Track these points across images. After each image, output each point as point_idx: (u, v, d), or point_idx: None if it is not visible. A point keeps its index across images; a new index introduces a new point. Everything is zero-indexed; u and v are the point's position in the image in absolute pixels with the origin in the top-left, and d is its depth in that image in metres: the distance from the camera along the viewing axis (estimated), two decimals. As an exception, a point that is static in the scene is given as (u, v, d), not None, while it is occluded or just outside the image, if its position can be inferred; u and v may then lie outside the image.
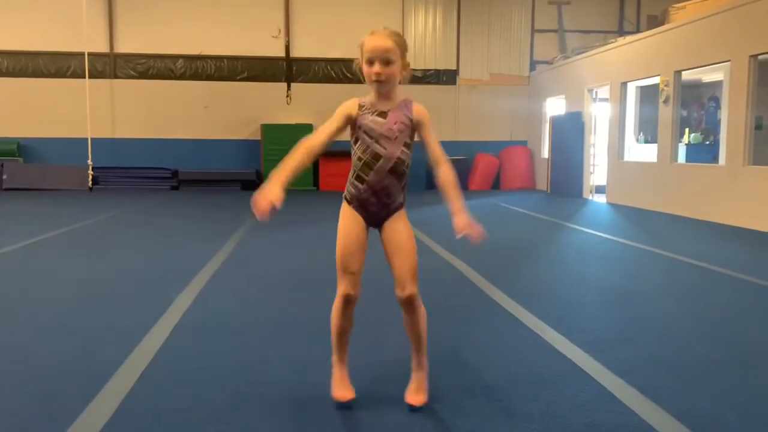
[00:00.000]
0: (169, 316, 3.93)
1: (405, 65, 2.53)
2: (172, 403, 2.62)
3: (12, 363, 3.14)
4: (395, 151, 2.51)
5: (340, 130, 2.55)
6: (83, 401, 2.60)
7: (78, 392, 2.70)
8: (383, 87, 2.50)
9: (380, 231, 2.60)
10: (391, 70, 2.48)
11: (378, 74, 2.46)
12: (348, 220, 2.57)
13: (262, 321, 3.91)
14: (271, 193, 2.40)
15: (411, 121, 2.54)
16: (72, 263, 5.91)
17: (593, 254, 6.72)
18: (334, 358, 2.65)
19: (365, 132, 2.51)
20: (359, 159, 2.53)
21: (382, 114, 2.52)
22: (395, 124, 2.51)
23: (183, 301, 4.30)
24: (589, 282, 5.26)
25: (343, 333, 2.62)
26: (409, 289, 2.54)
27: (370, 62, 2.47)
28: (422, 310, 2.62)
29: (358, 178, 2.54)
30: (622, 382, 2.89)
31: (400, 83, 2.55)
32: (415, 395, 2.60)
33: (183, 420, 2.47)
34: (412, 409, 2.57)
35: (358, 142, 2.53)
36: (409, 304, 2.56)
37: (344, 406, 2.58)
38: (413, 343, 2.65)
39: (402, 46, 2.51)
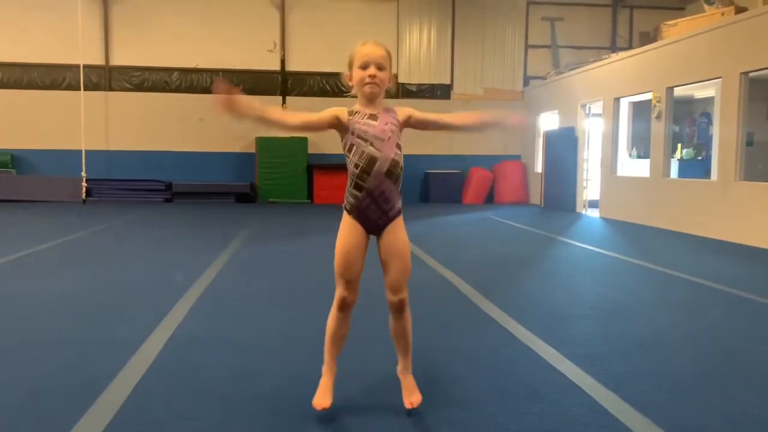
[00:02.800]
0: (163, 328, 3.93)
1: (392, 76, 2.62)
2: (166, 416, 2.62)
3: (3, 375, 3.13)
4: (389, 152, 2.56)
5: (322, 123, 2.59)
6: (76, 414, 2.59)
7: (71, 405, 2.69)
8: (374, 91, 2.56)
9: (378, 237, 2.65)
10: (384, 75, 2.57)
11: (372, 76, 2.53)
12: (348, 228, 2.62)
13: (257, 333, 3.91)
14: (244, 100, 2.54)
15: (399, 122, 2.62)
16: (65, 275, 5.89)
17: (586, 268, 6.74)
18: (325, 365, 2.69)
19: (359, 136, 2.55)
20: (356, 166, 2.56)
21: (373, 117, 2.58)
22: (386, 125, 2.58)
23: (177, 314, 4.30)
24: (582, 296, 5.28)
25: (338, 338, 2.66)
26: (402, 293, 2.62)
27: (364, 67, 2.54)
28: (409, 314, 2.69)
29: (357, 186, 2.57)
30: (615, 396, 2.90)
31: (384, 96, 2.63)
32: (410, 397, 2.66)
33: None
34: (411, 412, 2.62)
35: (353, 149, 2.57)
36: (400, 308, 2.64)
37: (327, 416, 2.58)
38: (400, 347, 2.72)
39: (390, 57, 2.62)
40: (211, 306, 4.62)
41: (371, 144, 2.54)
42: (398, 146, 2.60)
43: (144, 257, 7.05)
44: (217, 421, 2.57)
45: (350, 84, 2.62)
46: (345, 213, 2.64)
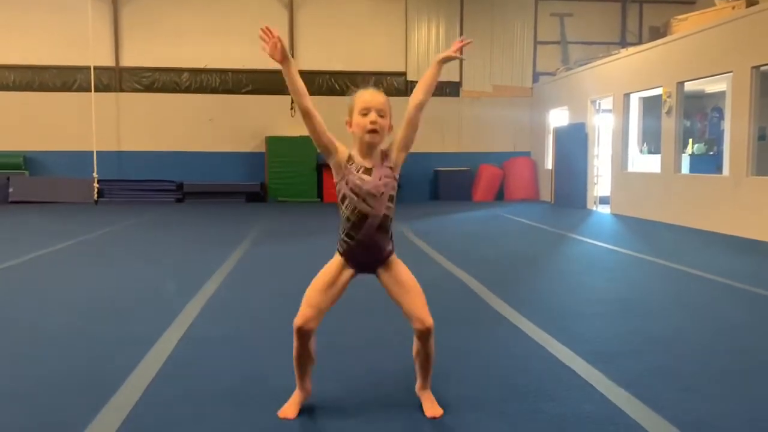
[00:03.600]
0: (175, 328, 3.95)
1: (390, 126, 2.58)
2: (177, 416, 2.63)
3: (17, 375, 3.15)
4: (381, 208, 2.55)
5: (322, 132, 2.52)
6: (89, 414, 2.61)
7: (84, 405, 2.72)
8: (375, 140, 2.53)
9: (378, 277, 2.65)
10: (384, 123, 2.53)
11: (374, 123, 2.50)
12: (335, 265, 2.63)
13: (268, 333, 3.93)
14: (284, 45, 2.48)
15: (392, 170, 2.59)
16: (78, 276, 5.94)
17: (597, 265, 6.72)
18: (297, 382, 2.68)
19: (351, 189, 2.54)
20: (347, 219, 2.57)
21: (368, 171, 2.55)
22: (380, 179, 2.55)
23: (189, 313, 4.32)
24: (593, 293, 5.26)
25: (301, 364, 2.64)
26: (428, 321, 2.58)
27: (365, 113, 2.51)
28: (433, 339, 2.65)
29: (348, 235, 2.59)
30: (626, 393, 2.89)
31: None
32: (434, 410, 2.64)
33: (189, 432, 2.48)
34: (407, 414, 2.63)
35: (345, 201, 2.57)
36: (428, 335, 2.60)
37: (336, 416, 2.59)
38: (423, 368, 2.69)
39: (390, 107, 2.57)
40: (222, 306, 4.64)
41: (363, 200, 2.53)
42: (391, 199, 2.58)
43: (156, 257, 7.09)
44: (228, 421, 2.59)
45: (350, 131, 2.58)
46: (337, 253, 2.65)
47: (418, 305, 2.58)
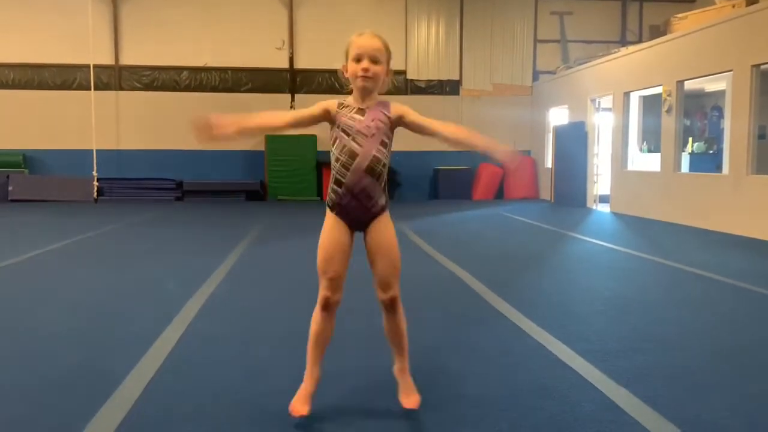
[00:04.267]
0: (175, 326, 3.95)
1: (389, 71, 2.54)
2: (179, 413, 2.63)
3: (19, 372, 3.16)
4: (371, 148, 2.48)
5: (313, 118, 2.55)
6: (90, 411, 2.62)
7: (85, 402, 2.72)
8: (367, 86, 2.48)
9: (364, 234, 2.58)
10: (378, 69, 2.48)
11: (365, 69, 2.45)
12: (330, 225, 2.56)
13: (268, 330, 3.93)
14: (220, 120, 2.46)
15: (389, 119, 2.53)
16: (78, 274, 5.94)
17: (597, 264, 6.72)
18: (306, 370, 2.60)
19: (343, 130, 2.50)
20: (336, 160, 2.52)
21: (360, 111, 2.51)
22: (372, 121, 2.50)
23: (190, 311, 4.32)
24: (593, 292, 5.27)
25: (320, 341, 2.58)
26: (393, 290, 2.54)
27: (358, 59, 2.46)
28: (402, 312, 2.61)
29: (337, 181, 2.53)
30: (626, 391, 2.90)
31: (380, 91, 2.55)
32: (409, 398, 2.59)
33: (190, 429, 2.49)
34: (409, 412, 2.58)
35: (336, 142, 2.52)
36: (391, 305, 2.55)
37: (336, 413, 2.59)
38: (395, 346, 2.64)
39: (389, 51, 2.53)
40: (222, 304, 4.64)
41: (353, 139, 2.48)
42: (383, 143, 2.51)
43: (156, 256, 7.09)
44: (229, 419, 2.59)
45: (345, 76, 2.54)
46: (328, 209, 2.59)
47: (387, 272, 2.52)
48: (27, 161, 15.23)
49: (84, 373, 3.12)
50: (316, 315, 2.57)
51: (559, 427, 2.52)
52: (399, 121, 2.55)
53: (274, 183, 15.47)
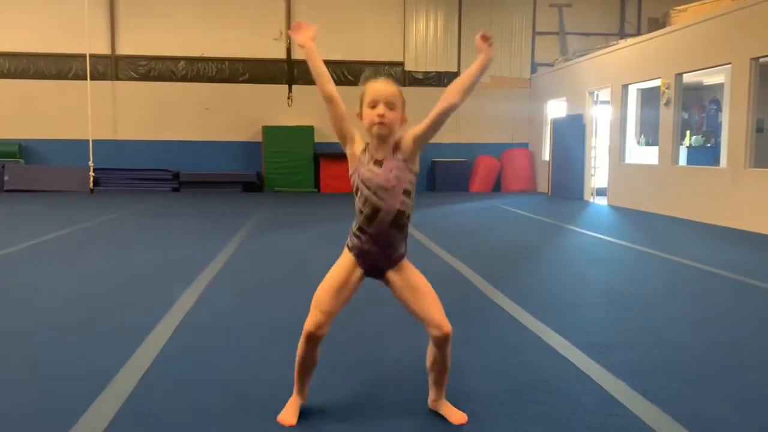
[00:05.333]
0: (171, 317, 3.93)
1: (404, 119, 2.43)
2: (174, 405, 2.62)
3: (13, 363, 3.14)
4: (394, 203, 2.40)
5: (343, 118, 2.45)
6: (85, 402, 2.60)
7: (80, 393, 2.70)
8: (383, 133, 2.39)
9: (387, 282, 2.51)
10: (394, 115, 2.38)
11: (381, 116, 2.36)
12: (344, 264, 2.49)
13: (265, 322, 3.92)
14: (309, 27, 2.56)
15: (405, 157, 2.42)
16: (74, 265, 5.91)
17: (595, 257, 6.72)
18: (295, 388, 2.56)
19: (363, 182, 2.42)
20: (360, 212, 2.44)
21: (378, 163, 2.41)
22: (391, 171, 2.40)
23: (185, 303, 4.31)
24: (591, 285, 5.26)
25: (305, 368, 2.53)
26: (446, 327, 2.44)
27: (373, 105, 2.38)
28: (450, 347, 2.51)
29: (360, 229, 2.46)
30: (624, 385, 2.89)
31: (394, 140, 2.43)
32: (458, 415, 2.52)
33: (186, 421, 2.47)
34: (407, 406, 2.60)
35: (358, 193, 2.45)
36: (446, 342, 2.46)
37: (335, 407, 2.58)
38: (438, 375, 2.54)
39: (403, 98, 2.44)
40: (219, 295, 4.62)
41: (374, 193, 2.39)
42: (406, 193, 2.42)
43: (152, 246, 7.06)
44: (224, 410, 2.57)
45: (360, 123, 2.45)
46: (346, 249, 2.52)
47: (434, 311, 2.45)
48: (23, 151, 15.17)
49: (80, 364, 3.11)
50: (300, 345, 2.51)
51: (557, 421, 2.51)
52: (416, 144, 2.43)
53: (271, 174, 15.43)
